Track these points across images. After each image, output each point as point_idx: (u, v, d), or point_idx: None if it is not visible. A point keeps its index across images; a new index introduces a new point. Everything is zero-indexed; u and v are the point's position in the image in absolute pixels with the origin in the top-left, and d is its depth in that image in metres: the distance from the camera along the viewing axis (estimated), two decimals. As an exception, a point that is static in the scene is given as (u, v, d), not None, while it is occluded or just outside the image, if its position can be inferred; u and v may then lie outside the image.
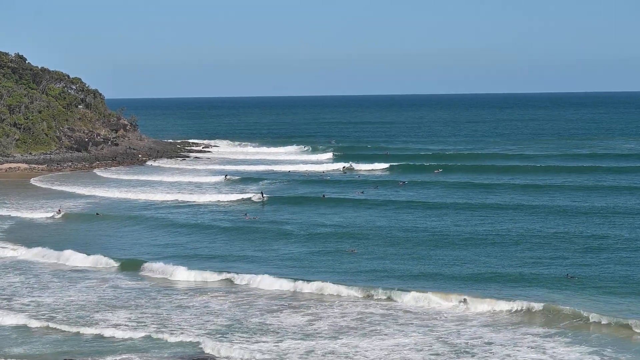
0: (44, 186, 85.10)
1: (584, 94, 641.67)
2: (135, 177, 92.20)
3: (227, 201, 72.27)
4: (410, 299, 36.79)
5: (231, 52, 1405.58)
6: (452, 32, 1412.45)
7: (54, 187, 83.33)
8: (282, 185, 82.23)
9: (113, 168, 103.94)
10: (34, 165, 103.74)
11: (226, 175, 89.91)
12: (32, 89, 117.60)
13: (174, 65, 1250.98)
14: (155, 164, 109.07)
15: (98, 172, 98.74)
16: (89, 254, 48.13)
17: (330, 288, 39.05)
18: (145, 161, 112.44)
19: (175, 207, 69.90)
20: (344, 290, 38.61)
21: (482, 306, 35.70)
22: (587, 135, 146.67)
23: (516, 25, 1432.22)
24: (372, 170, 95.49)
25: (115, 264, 46.60)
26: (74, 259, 47.96)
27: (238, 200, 72.35)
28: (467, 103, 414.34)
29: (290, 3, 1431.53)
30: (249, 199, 72.09)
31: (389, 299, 37.32)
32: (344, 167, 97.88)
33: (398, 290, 37.83)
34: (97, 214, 65.35)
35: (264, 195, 72.58)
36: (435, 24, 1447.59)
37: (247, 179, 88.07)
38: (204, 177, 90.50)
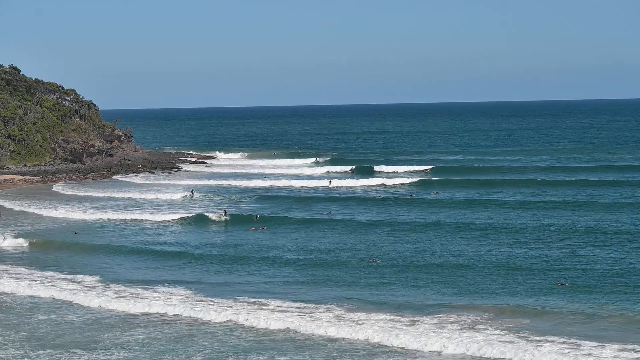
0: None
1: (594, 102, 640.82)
2: (93, 194, 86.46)
3: (180, 218, 68.08)
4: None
5: (230, 61, 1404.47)
6: (451, 39, 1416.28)
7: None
8: (257, 201, 78.19)
9: (73, 183, 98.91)
10: (28, 177, 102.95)
11: (192, 191, 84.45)
12: (26, 101, 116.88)
13: (172, 75, 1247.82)
14: (124, 178, 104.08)
15: (57, 188, 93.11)
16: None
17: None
18: (112, 175, 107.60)
19: (123, 225, 66.54)
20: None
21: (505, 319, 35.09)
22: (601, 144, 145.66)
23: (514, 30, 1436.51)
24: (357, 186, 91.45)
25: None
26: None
27: (183, 218, 68.21)
28: (469, 112, 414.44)
29: (289, 13, 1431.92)
30: (208, 217, 67.69)
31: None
32: (330, 182, 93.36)
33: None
34: (75, 233, 62.55)
35: (227, 213, 68.10)
36: (439, 31, 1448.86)
37: (216, 195, 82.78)
38: (170, 194, 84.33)
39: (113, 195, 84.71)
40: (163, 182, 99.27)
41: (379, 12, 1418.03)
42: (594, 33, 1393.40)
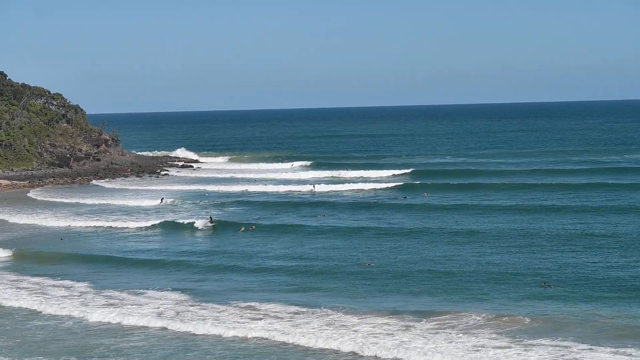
0: None
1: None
2: (67, 200, 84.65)
3: (155, 225, 66.80)
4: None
5: (228, 63, 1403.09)
6: (440, 41, 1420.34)
7: None
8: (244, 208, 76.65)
9: (48, 189, 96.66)
10: (15, 182, 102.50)
11: (162, 199, 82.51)
12: (13, 105, 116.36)
13: (160, 79, 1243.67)
14: (101, 183, 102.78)
15: (32, 194, 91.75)
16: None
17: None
18: (90, 180, 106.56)
19: (104, 232, 65.56)
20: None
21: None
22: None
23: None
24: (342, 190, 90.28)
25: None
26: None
27: (158, 224, 67.05)
28: (458, 114, 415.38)
29: (285, 14, 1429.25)
30: (190, 224, 66.01)
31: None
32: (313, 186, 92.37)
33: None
34: (61, 239, 62.02)
35: (212, 220, 66.15)
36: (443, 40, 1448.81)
37: (191, 202, 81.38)
38: (143, 200, 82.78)
39: (95, 202, 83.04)
40: (145, 187, 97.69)
41: (377, 15, 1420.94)
42: (585, 34, 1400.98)
